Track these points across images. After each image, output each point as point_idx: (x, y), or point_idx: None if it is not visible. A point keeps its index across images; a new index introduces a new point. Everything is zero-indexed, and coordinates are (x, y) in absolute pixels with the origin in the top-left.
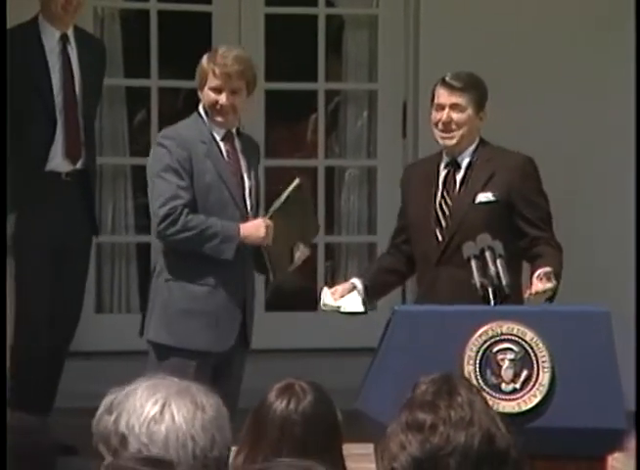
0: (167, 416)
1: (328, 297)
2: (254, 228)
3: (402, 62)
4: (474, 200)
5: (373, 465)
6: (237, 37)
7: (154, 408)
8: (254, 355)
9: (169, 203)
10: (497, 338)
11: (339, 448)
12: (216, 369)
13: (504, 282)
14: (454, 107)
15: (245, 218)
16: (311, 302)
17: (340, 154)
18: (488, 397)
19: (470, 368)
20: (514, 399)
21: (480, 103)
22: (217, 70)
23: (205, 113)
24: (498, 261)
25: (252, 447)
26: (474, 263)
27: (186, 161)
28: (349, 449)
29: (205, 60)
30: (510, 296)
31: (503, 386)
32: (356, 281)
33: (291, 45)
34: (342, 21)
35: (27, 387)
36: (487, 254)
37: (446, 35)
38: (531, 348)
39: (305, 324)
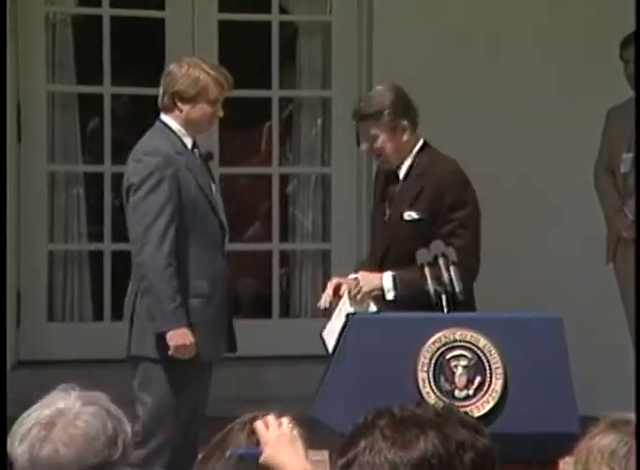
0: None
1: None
2: (182, 337)
3: (356, 69)
4: (402, 216)
5: None
6: (190, 43)
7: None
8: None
9: (167, 238)
10: (450, 344)
11: None
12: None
13: (457, 289)
14: (368, 138)
15: (223, 226)
16: (266, 309)
17: (294, 161)
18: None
19: (423, 375)
20: (467, 406)
21: (393, 123)
22: (223, 81)
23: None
24: (451, 268)
25: None
26: (427, 270)
27: (173, 178)
28: None
29: (199, 71)
30: (463, 302)
31: (456, 392)
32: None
33: (244, 52)
34: (296, 27)
35: None
36: (441, 261)
37: (399, 42)
38: (484, 354)
39: (260, 331)
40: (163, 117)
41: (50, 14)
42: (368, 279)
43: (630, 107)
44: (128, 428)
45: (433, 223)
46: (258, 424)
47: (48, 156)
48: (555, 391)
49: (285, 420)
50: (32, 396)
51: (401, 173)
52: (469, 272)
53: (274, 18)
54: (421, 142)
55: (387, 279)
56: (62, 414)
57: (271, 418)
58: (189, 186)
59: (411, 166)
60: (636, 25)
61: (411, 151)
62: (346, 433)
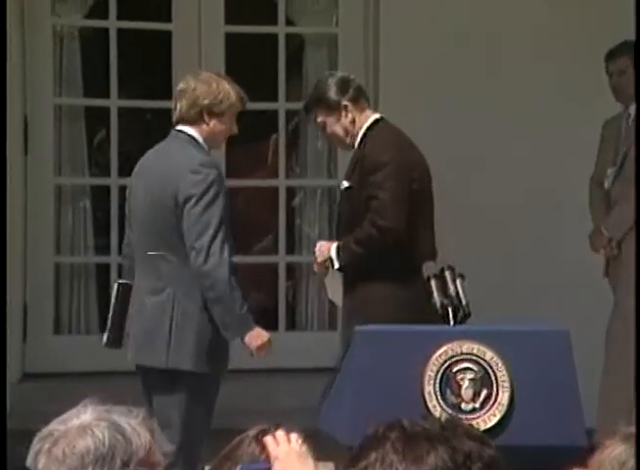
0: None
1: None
2: (260, 336)
3: (362, 81)
4: (340, 186)
5: None
6: (197, 56)
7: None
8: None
9: (225, 250)
10: (457, 357)
11: None
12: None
13: (464, 301)
14: (319, 126)
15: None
16: (273, 322)
17: (300, 174)
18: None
19: (430, 388)
20: (474, 419)
21: (331, 110)
22: (244, 96)
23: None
24: (458, 281)
25: None
26: (433, 283)
27: (225, 190)
28: None
29: (227, 87)
30: (470, 315)
31: (463, 405)
32: None
33: (251, 64)
34: (303, 39)
35: None
36: (447, 273)
37: (406, 54)
38: (491, 367)
39: None
40: (187, 129)
41: (57, 26)
42: (321, 251)
43: (619, 120)
44: (142, 442)
45: (359, 190)
46: (268, 439)
47: (55, 168)
48: (562, 404)
49: (294, 435)
50: (39, 408)
51: (355, 150)
52: (382, 232)
53: (280, 30)
54: (373, 118)
55: (333, 250)
56: (68, 430)
57: (280, 433)
58: (227, 199)
59: (361, 142)
60: (636, 26)
61: (359, 130)
62: (354, 445)
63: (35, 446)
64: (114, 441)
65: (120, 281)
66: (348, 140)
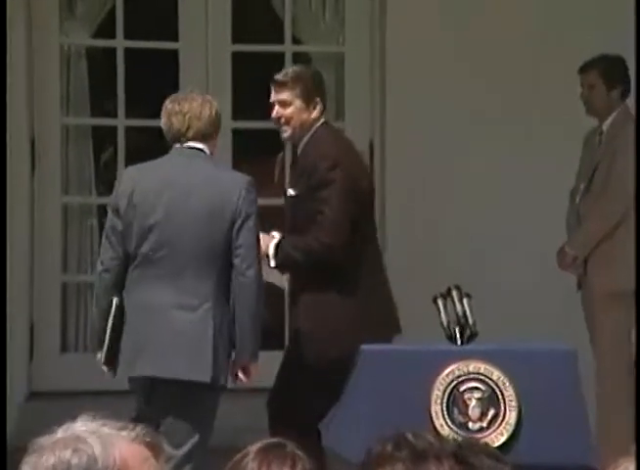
0: None
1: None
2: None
3: (368, 99)
4: (286, 193)
5: None
6: (204, 75)
7: None
8: (224, 394)
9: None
10: (464, 377)
11: None
12: None
13: (470, 321)
14: (281, 103)
15: None
16: (279, 340)
17: None
18: (456, 436)
19: (437, 407)
20: (481, 438)
21: (306, 96)
22: None
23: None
24: (465, 301)
25: None
26: (440, 302)
27: None
28: None
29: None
30: (477, 335)
31: (470, 424)
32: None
33: (258, 83)
34: (309, 58)
35: None
36: (454, 293)
37: (413, 73)
38: (498, 386)
39: (272, 362)
40: (203, 146)
41: (64, 46)
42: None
43: (593, 136)
44: (114, 460)
45: (305, 201)
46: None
47: (62, 187)
48: (569, 423)
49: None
50: (45, 427)
51: (299, 151)
52: (322, 247)
53: (287, 49)
54: (321, 121)
55: (271, 248)
56: (46, 445)
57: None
58: None
59: (305, 145)
60: (636, 26)
61: (309, 131)
62: (361, 462)
63: (26, 455)
64: (77, 459)
65: (117, 298)
66: (298, 133)
